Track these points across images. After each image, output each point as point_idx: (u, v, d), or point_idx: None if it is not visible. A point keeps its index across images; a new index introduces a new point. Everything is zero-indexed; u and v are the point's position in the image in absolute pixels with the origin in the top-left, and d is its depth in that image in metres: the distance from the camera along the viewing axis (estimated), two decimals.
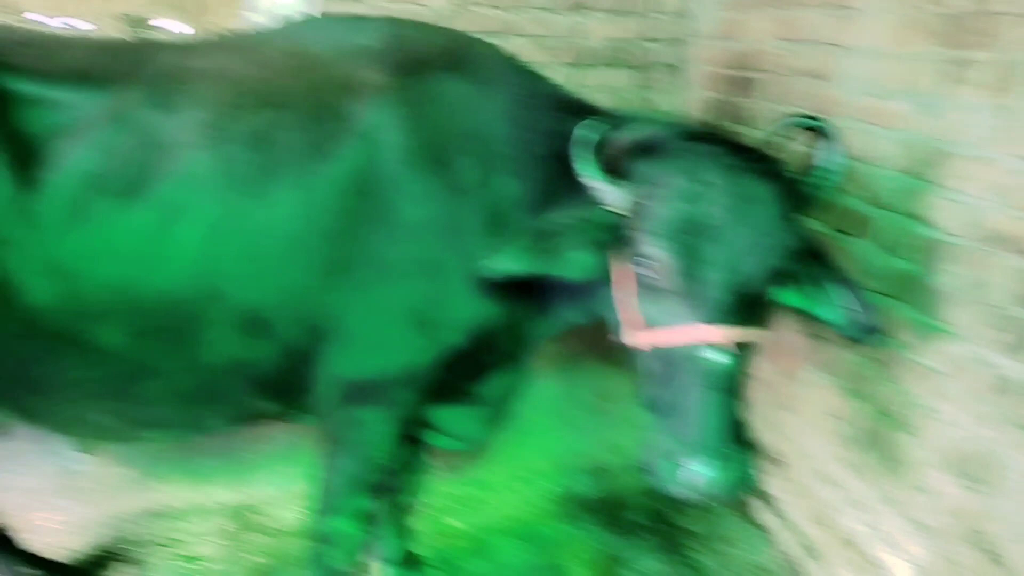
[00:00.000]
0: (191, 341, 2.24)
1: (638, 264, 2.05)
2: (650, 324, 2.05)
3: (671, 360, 1.99)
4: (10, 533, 3.05)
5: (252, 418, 2.57)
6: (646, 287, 2.04)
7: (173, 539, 3.46)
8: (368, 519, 2.67)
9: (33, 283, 2.13)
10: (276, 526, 3.57)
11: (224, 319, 2.24)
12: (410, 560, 3.22)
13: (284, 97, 2.29)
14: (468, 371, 2.57)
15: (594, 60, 4.12)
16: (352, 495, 2.59)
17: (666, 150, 2.09)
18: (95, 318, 2.16)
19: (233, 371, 2.33)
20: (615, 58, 4.14)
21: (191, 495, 3.67)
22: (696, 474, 1.91)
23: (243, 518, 3.62)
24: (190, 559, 3.35)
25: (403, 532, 3.21)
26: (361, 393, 2.40)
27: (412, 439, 2.80)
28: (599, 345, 3.68)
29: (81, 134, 2.15)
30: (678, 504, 3.71)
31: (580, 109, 2.44)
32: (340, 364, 2.38)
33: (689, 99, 4.21)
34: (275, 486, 3.74)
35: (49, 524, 3.46)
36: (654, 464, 2.00)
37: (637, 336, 2.10)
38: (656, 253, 1.97)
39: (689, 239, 1.93)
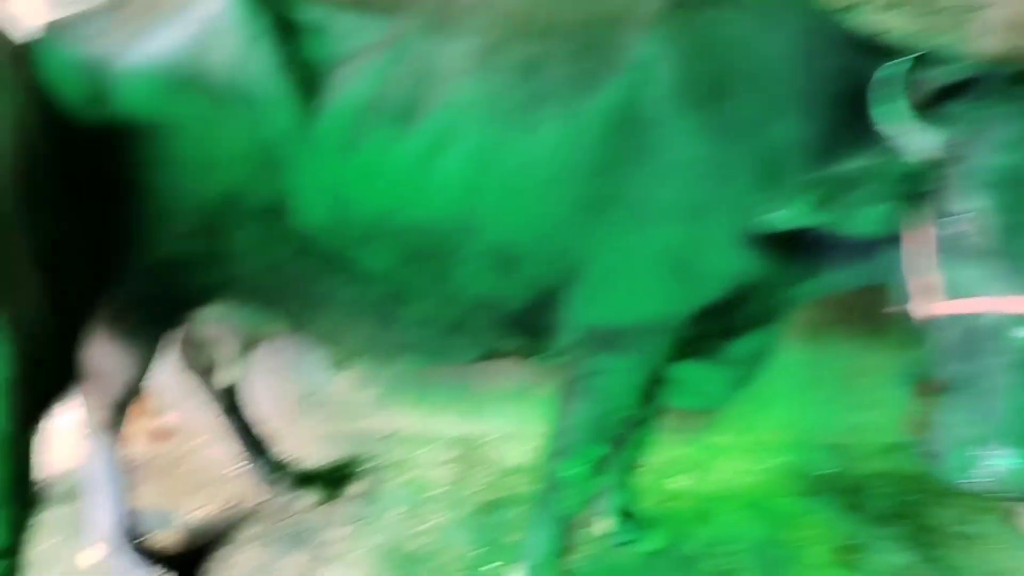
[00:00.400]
0: (447, 272, 2.27)
1: (944, 222, 1.80)
2: (952, 292, 1.81)
3: (976, 334, 1.74)
4: (267, 438, 3.31)
5: (496, 353, 2.58)
6: (951, 249, 1.80)
7: (405, 462, 3.61)
8: (600, 469, 2.61)
9: (309, 205, 2.24)
10: (502, 463, 3.63)
11: (478, 253, 2.24)
12: (632, 517, 3.16)
13: (555, 28, 2.23)
14: (720, 327, 2.43)
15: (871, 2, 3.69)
16: (588, 442, 2.53)
17: (987, 93, 1.82)
18: (362, 242, 2.24)
19: (482, 305, 2.34)
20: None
21: (423, 423, 3.80)
22: (999, 465, 1.67)
23: (471, 452, 3.71)
24: (420, 483, 3.49)
25: (626, 488, 3.14)
26: (609, 339, 2.33)
27: (651, 393, 2.71)
28: (851, 315, 3.48)
29: (360, 62, 2.20)
30: (928, 494, 3.39)
31: (874, 48, 2.18)
32: (589, 307, 2.31)
33: (984, 46, 3.69)
34: (504, 423, 3.78)
35: (297, 433, 3.71)
36: (943, 451, 1.77)
37: (933, 305, 1.86)
38: (973, 208, 1.72)
39: (1017, 194, 1.66)
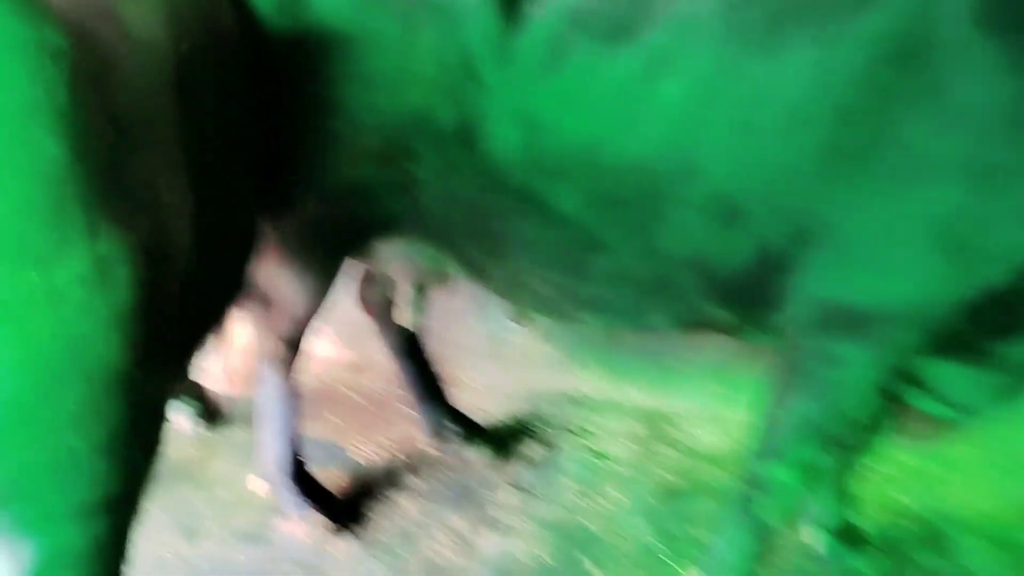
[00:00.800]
0: (652, 220, 1.94)
1: None
2: None
3: None
4: (442, 385, 3.15)
5: (698, 324, 2.22)
6: None
7: (584, 429, 3.36)
8: (814, 474, 2.20)
9: (499, 132, 1.98)
10: (690, 445, 3.29)
11: (694, 200, 1.89)
12: (849, 532, 2.70)
13: None
14: (996, 321, 1.91)
15: None
16: (802, 442, 2.13)
17: None
18: (555, 177, 1.96)
19: (692, 265, 1.98)
20: None
21: (607, 389, 3.54)
22: None
23: (656, 427, 3.39)
24: (598, 455, 3.21)
25: (844, 498, 2.68)
26: (847, 323, 1.89)
27: (892, 393, 2.23)
28: None
29: None
30: None
31: None
32: (827, 281, 1.89)
33: None
34: (696, 402, 3.45)
35: (472, 384, 3.58)
36: None
37: None
38: None
39: None
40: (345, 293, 3.00)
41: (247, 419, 3.21)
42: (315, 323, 2.56)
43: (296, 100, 2.13)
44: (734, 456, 3.18)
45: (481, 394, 3.53)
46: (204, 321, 1.96)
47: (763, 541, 2.31)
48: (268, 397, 2.65)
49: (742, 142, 1.81)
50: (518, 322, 3.49)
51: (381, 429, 3.28)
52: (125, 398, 1.15)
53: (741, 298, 2.04)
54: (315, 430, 3.20)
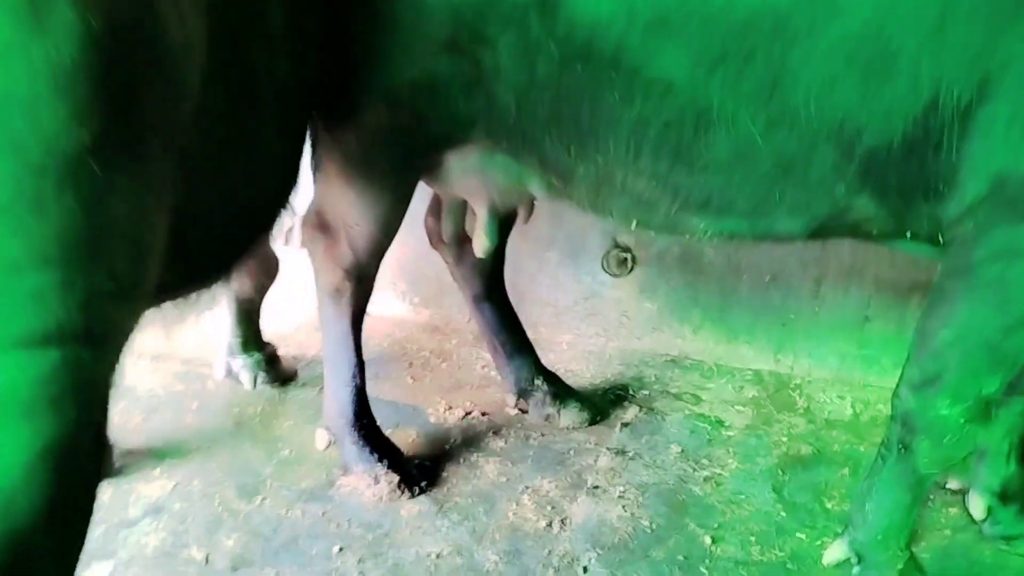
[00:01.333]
0: (782, 78, 1.60)
1: None
2: None
3: None
4: (526, 336, 2.85)
5: (838, 226, 1.84)
6: None
7: (693, 395, 2.99)
8: (986, 414, 1.79)
9: None
10: (817, 412, 2.89)
11: (831, 48, 1.54)
12: (1019, 503, 2.22)
13: None
14: None
15: None
16: (974, 368, 1.72)
17: None
18: (656, 33, 1.65)
19: (829, 136, 1.63)
20: None
21: (719, 351, 3.19)
22: None
23: (776, 393, 3.01)
24: (709, 420, 2.83)
25: (1015, 458, 2.21)
26: None
27: None
28: None
29: None
30: None
31: None
32: (1005, 149, 1.52)
33: None
34: (822, 363, 3.06)
35: (563, 346, 3.30)
36: None
37: None
38: None
39: None
40: (419, 247, 2.81)
41: (316, 379, 3.03)
42: (388, 276, 2.33)
43: None
44: (868, 424, 2.77)
45: (573, 357, 3.22)
46: (244, 215, 1.73)
47: (918, 497, 1.90)
48: (331, 338, 2.41)
49: None
50: (615, 273, 3.16)
51: (462, 392, 2.99)
52: (74, 190, 0.88)
53: (897, 182, 1.67)
54: (387, 391, 2.94)
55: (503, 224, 2.39)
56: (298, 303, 3.42)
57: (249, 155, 1.65)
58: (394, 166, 2.16)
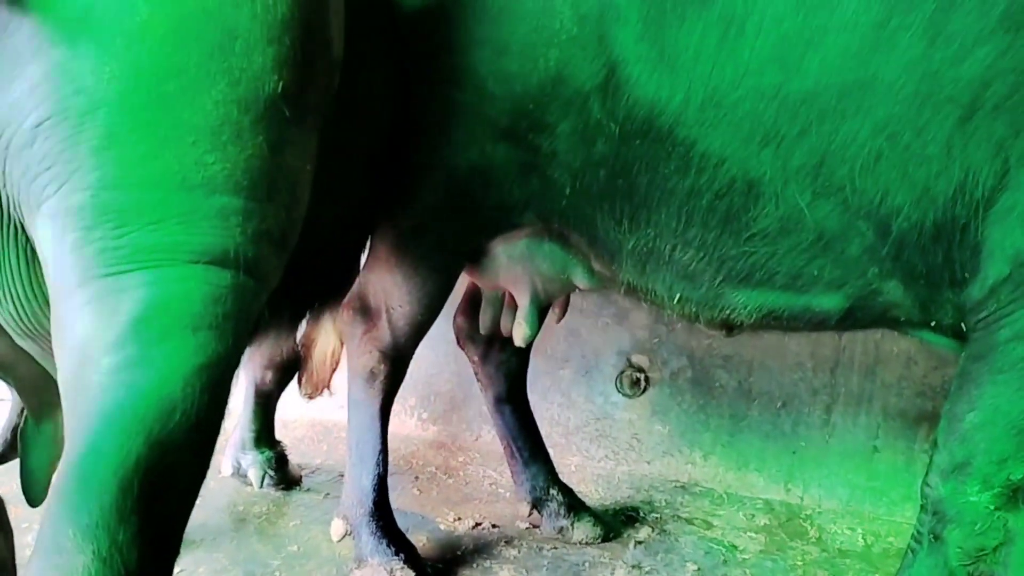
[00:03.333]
0: (828, 153, 1.79)
1: None
2: None
3: None
4: (544, 444, 2.92)
5: (865, 310, 1.99)
6: None
7: (703, 520, 3.02)
8: (1017, 500, 1.87)
9: (648, 73, 1.90)
10: (827, 541, 2.93)
11: (879, 126, 1.75)
12: None
13: None
14: None
15: None
16: (1004, 453, 1.82)
17: None
18: (711, 112, 1.85)
19: (874, 213, 1.81)
20: None
21: (729, 480, 3.27)
22: None
23: (788, 523, 3.05)
24: (726, 546, 2.86)
25: None
26: None
27: None
28: None
29: None
30: None
31: None
32: None
33: None
34: (834, 494, 3.15)
35: (573, 468, 3.36)
36: None
37: None
38: None
39: None
40: (432, 362, 2.91)
41: (321, 486, 3.06)
42: (421, 335, 2.43)
43: (422, 73, 2.12)
44: (880, 555, 2.83)
45: (582, 479, 3.27)
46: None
47: None
48: (359, 422, 2.46)
49: (937, 37, 1.68)
50: (628, 394, 3.28)
51: (471, 505, 3.01)
52: (266, 130, 1.06)
53: (925, 268, 1.84)
54: (392, 501, 2.94)
55: (541, 317, 2.52)
56: (306, 409, 3.46)
57: (348, 178, 1.86)
58: (444, 247, 2.29)
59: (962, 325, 1.89)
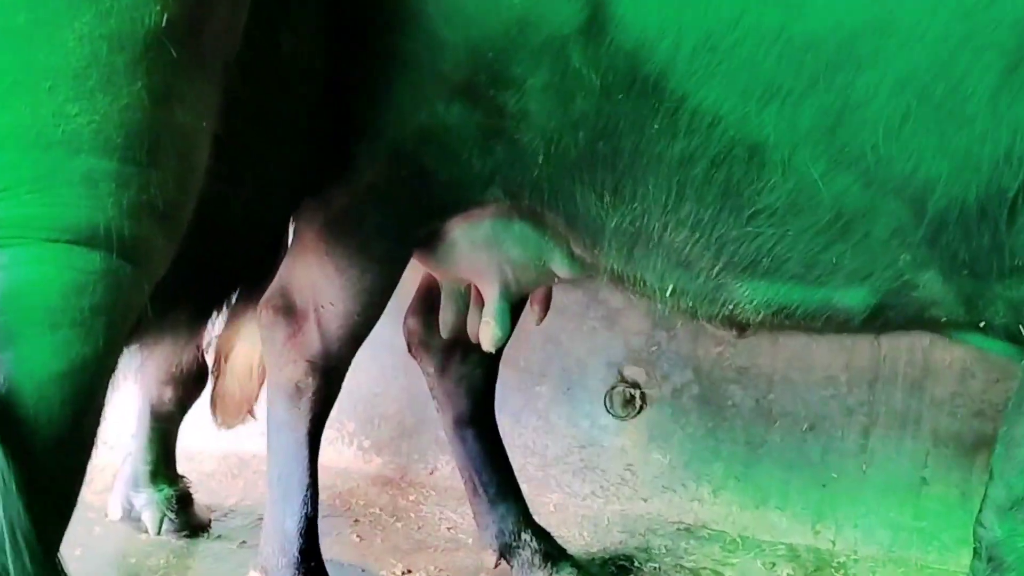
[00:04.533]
0: (845, 111, 1.79)
1: None
2: None
3: None
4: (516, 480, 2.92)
5: (898, 310, 2.00)
6: None
7: (712, 571, 3.05)
8: None
9: (632, 14, 1.90)
10: None
11: (904, 78, 1.75)
12: None
13: None
14: None
15: None
16: None
17: None
18: (704, 58, 1.85)
19: (905, 186, 1.81)
20: None
21: (745, 520, 3.32)
22: None
23: (816, 573, 3.09)
24: None
25: None
26: None
27: None
28: None
29: None
30: None
31: None
32: None
33: None
34: (869, 538, 3.19)
35: (554, 507, 3.40)
36: None
37: None
38: None
39: None
40: (375, 375, 2.88)
41: (235, 532, 3.07)
42: (333, 412, 2.48)
43: (358, 18, 2.11)
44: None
45: (563, 521, 3.29)
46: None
47: None
48: (281, 450, 2.44)
49: None
50: (620, 415, 3.30)
51: (423, 554, 3.01)
52: (146, 75, 1.05)
53: (968, 255, 1.83)
54: (326, 549, 2.92)
55: (514, 315, 2.51)
56: (217, 437, 3.42)
57: (267, 146, 1.87)
58: (388, 232, 2.27)
59: (1020, 327, 1.90)
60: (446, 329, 2.66)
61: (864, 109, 1.78)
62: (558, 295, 2.86)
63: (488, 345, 2.45)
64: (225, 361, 2.69)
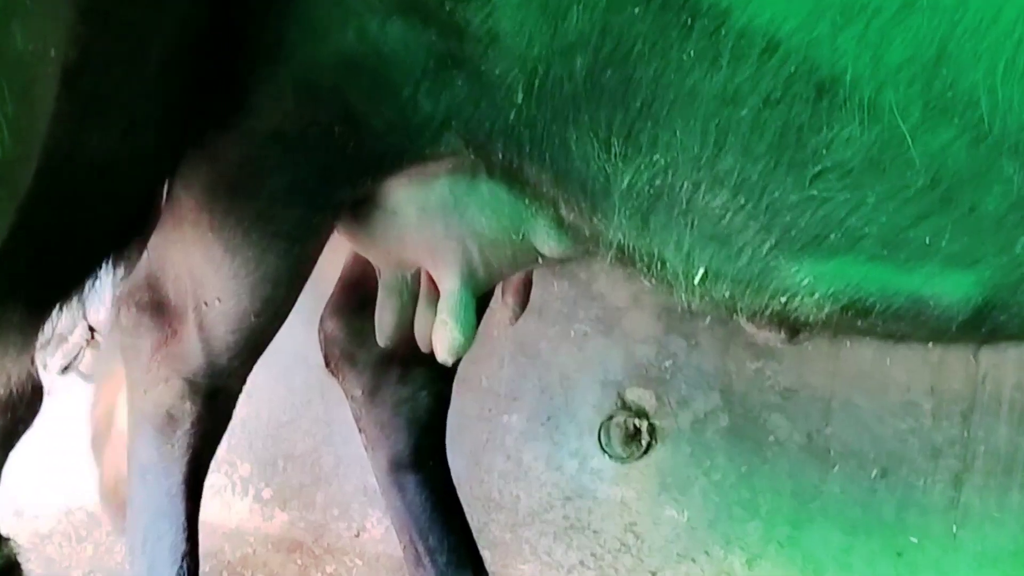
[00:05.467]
0: (948, 43, 1.79)
1: None
2: None
3: None
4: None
5: (1014, 312, 2.01)
6: None
7: None
8: None
9: None
10: None
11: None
12: None
13: None
14: None
15: None
16: None
17: None
18: None
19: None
20: None
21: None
22: None
23: None
24: None
25: None
26: None
27: None
28: None
29: None
30: None
31: None
32: None
33: None
34: None
35: (526, 556, 3.44)
36: None
37: None
38: None
39: None
40: (278, 395, 2.87)
41: None
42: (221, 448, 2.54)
43: None
44: None
45: None
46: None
47: None
48: (146, 503, 2.47)
49: None
50: (620, 455, 3.31)
51: None
52: None
53: None
54: None
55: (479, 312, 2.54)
56: (59, 487, 3.44)
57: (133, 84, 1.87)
58: (299, 196, 2.27)
59: None
60: (384, 335, 2.65)
61: (978, 37, 1.77)
62: (535, 288, 2.86)
63: (445, 354, 2.45)
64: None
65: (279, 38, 2.14)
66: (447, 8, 2.01)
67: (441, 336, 2.42)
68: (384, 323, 2.64)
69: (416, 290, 2.61)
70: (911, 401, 3.17)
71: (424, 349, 2.56)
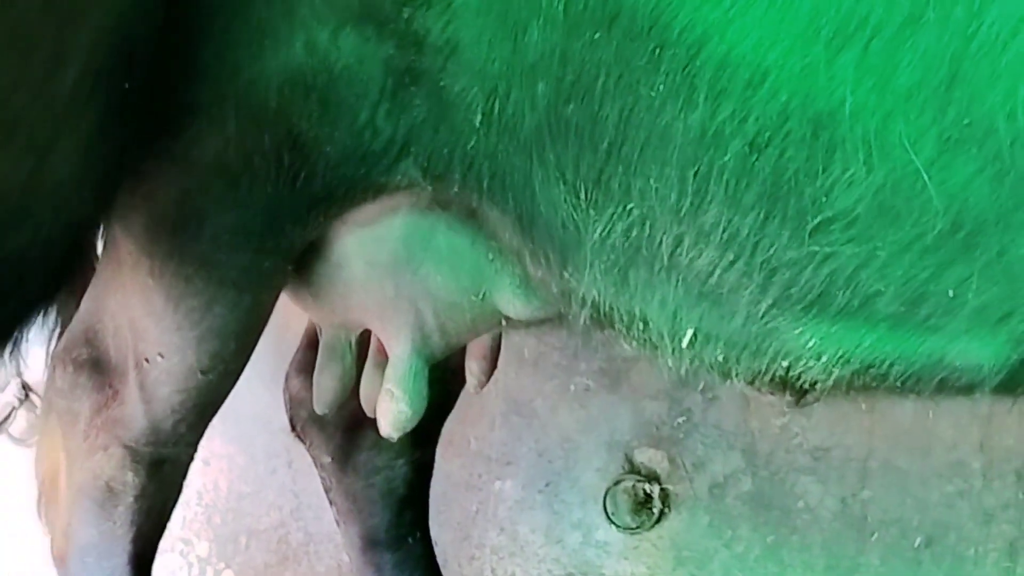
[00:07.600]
0: (962, 65, 1.79)
1: None
2: None
3: None
4: None
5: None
6: None
7: None
8: None
9: None
10: None
11: None
12: None
13: None
14: None
15: None
16: None
17: None
18: None
19: None
20: None
21: None
22: None
23: None
24: None
25: None
26: None
27: None
28: None
29: None
30: None
31: None
32: None
33: None
34: None
35: None
36: None
37: None
38: None
39: None
40: (229, 468, 2.87)
41: None
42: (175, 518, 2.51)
43: None
44: None
45: None
46: None
47: None
48: (85, 574, 2.45)
49: None
50: (629, 525, 3.29)
51: None
52: None
53: None
54: None
55: (441, 381, 2.54)
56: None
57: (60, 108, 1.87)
58: (247, 239, 2.26)
59: None
60: (322, 403, 2.67)
61: (996, 54, 1.78)
62: (529, 339, 2.84)
63: (390, 428, 2.46)
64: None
65: (221, 53, 2.15)
66: (405, 16, 2.04)
67: (386, 408, 2.43)
68: (323, 389, 2.65)
69: (361, 353, 2.62)
70: (959, 460, 3.18)
71: (370, 415, 2.57)
